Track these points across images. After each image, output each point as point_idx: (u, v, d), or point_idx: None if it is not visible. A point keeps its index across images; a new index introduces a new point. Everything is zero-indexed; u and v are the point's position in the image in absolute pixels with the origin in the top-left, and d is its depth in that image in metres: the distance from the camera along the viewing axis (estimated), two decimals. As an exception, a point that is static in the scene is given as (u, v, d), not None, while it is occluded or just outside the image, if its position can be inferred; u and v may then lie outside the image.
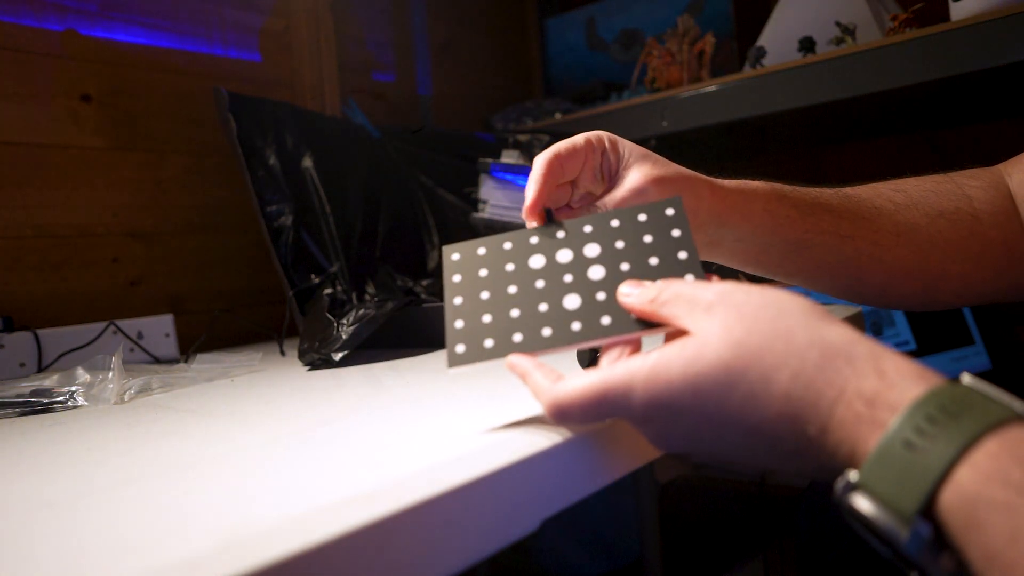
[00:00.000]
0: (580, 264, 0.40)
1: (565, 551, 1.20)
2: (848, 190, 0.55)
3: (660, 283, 0.37)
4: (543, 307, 0.39)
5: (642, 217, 0.41)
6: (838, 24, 1.06)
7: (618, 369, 0.34)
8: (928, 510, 0.26)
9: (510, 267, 0.42)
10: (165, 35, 1.08)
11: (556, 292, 0.40)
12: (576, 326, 0.38)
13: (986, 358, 1.37)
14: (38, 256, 0.93)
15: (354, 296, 0.90)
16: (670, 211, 0.40)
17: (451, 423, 0.43)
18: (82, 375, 0.68)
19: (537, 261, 0.41)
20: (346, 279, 0.92)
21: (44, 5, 0.95)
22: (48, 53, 0.95)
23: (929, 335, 1.36)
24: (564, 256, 0.41)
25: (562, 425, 0.38)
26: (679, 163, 0.51)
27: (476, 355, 0.39)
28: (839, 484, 0.29)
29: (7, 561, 0.28)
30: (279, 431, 0.47)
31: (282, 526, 0.28)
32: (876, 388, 0.29)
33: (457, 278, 0.42)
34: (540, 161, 0.47)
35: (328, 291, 0.86)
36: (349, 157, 1.04)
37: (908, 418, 0.27)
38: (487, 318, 0.40)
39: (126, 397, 0.65)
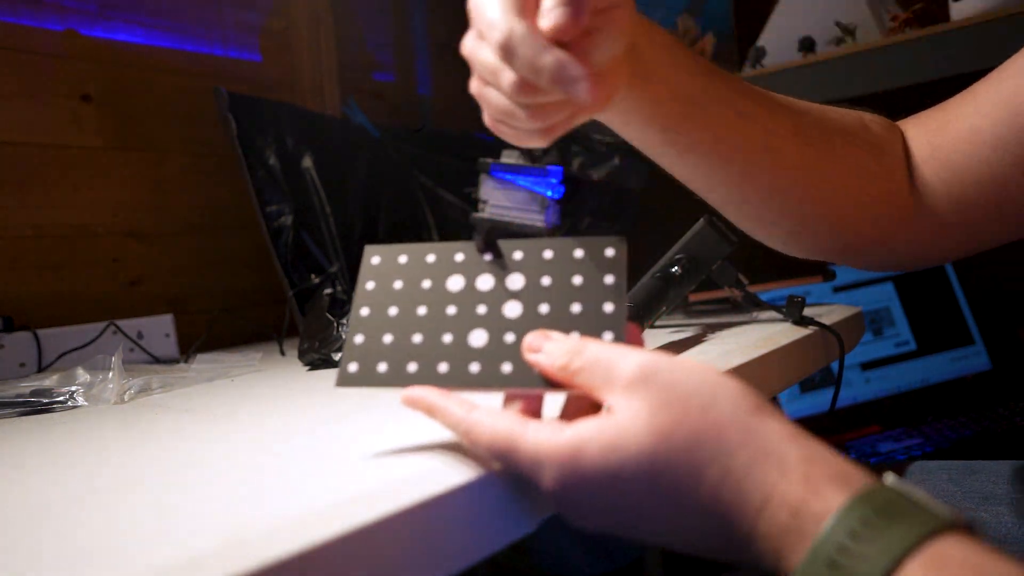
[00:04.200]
0: (498, 296, 0.37)
1: (565, 551, 1.20)
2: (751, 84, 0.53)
3: (574, 344, 0.34)
4: (447, 338, 0.37)
5: (578, 253, 0.37)
6: (838, 24, 1.06)
7: (529, 439, 0.31)
8: None
9: (426, 284, 0.39)
10: (165, 35, 1.08)
11: (465, 323, 0.37)
12: (475, 368, 0.36)
13: (986, 358, 1.37)
14: (38, 256, 0.93)
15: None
16: (610, 252, 0.37)
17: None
18: (82, 375, 0.68)
19: (456, 283, 0.38)
20: (346, 279, 0.92)
21: (44, 5, 0.95)
22: (48, 53, 0.95)
23: (929, 335, 1.36)
24: (485, 283, 0.38)
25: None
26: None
27: (367, 379, 0.37)
28: None
29: (8, 561, 0.28)
30: (279, 431, 0.47)
31: (283, 526, 0.28)
32: (801, 496, 0.27)
33: (371, 285, 0.39)
34: None
35: (328, 291, 0.86)
36: (349, 157, 1.04)
37: (831, 533, 0.26)
38: (388, 338, 0.37)
39: (126, 397, 0.65)
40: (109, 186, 1.00)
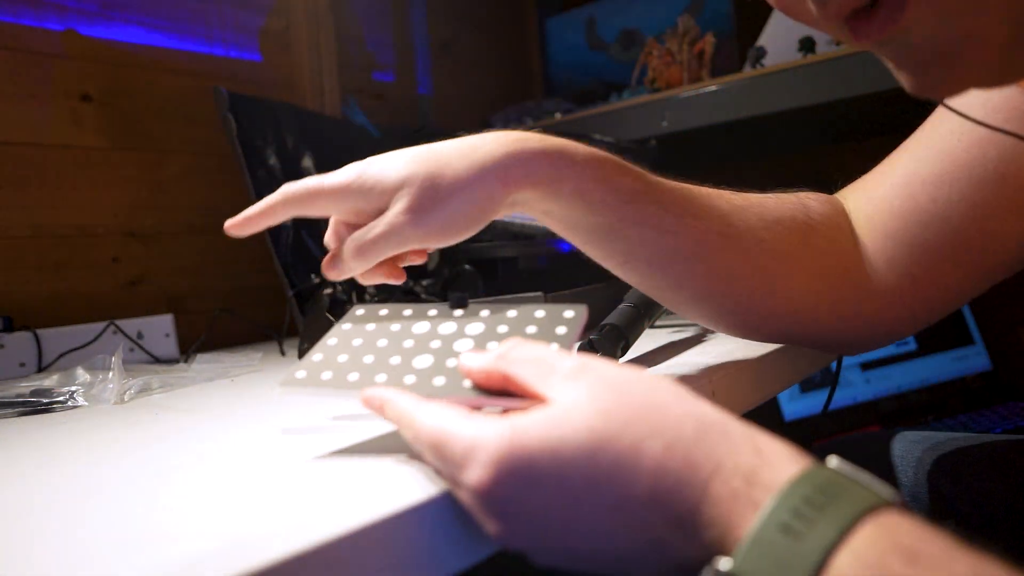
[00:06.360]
0: (455, 336, 0.40)
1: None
2: (687, 185, 0.52)
3: (514, 339, 0.36)
4: (395, 360, 0.40)
5: (539, 314, 0.40)
6: (838, 24, 1.05)
7: (467, 427, 0.31)
8: None
9: (395, 327, 0.43)
10: (165, 35, 1.08)
11: (415, 351, 0.40)
12: (409, 379, 0.38)
13: (986, 358, 1.37)
14: (38, 256, 0.93)
15: (354, 296, 0.90)
16: (569, 313, 0.40)
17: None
18: (82, 375, 0.68)
19: (421, 327, 0.42)
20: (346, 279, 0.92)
21: (44, 5, 0.95)
22: (48, 53, 0.95)
23: (929, 335, 1.36)
24: (446, 328, 0.41)
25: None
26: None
27: (311, 382, 0.40)
28: (705, 574, 0.27)
29: (7, 562, 0.28)
30: (280, 431, 0.47)
31: (285, 526, 0.28)
32: (754, 464, 0.27)
33: (347, 326, 0.44)
34: (278, 195, 0.51)
35: (328, 291, 0.86)
36: (349, 157, 1.03)
37: (785, 500, 0.26)
38: (342, 358, 0.41)
39: (126, 397, 0.65)
40: (109, 186, 1.00)
